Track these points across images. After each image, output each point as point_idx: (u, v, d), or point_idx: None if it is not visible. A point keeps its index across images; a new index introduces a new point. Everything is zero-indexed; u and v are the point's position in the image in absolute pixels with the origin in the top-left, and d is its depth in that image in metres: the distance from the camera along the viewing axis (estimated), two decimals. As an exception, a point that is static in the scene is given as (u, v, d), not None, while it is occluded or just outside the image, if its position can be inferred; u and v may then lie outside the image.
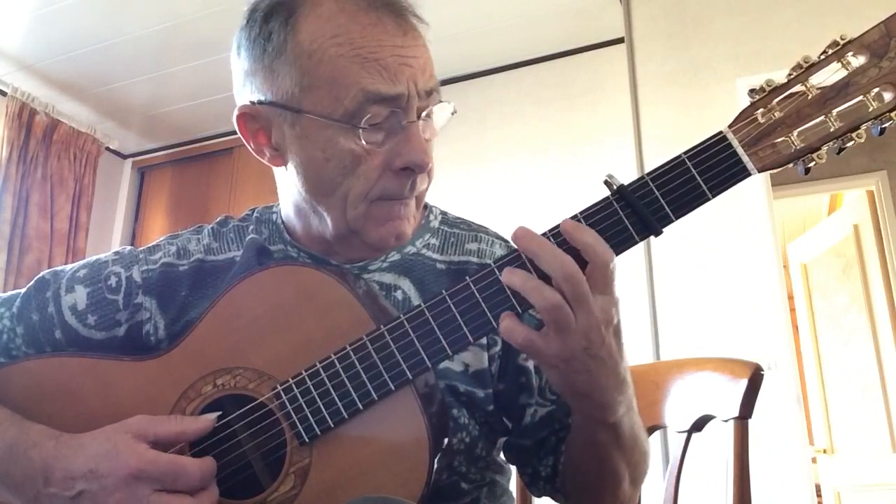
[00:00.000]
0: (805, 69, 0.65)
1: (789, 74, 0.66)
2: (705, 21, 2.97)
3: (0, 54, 3.39)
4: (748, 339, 2.55)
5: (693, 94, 2.89)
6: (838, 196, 4.46)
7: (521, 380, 0.84)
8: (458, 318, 0.67)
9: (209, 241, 0.90)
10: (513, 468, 0.92)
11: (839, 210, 4.26)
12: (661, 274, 2.75)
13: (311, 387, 0.70)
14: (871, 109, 0.63)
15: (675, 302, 2.71)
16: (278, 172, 0.86)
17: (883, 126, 0.64)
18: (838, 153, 0.66)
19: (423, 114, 0.77)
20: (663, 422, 1.03)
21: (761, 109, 0.66)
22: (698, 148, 0.66)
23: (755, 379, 0.92)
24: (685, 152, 0.66)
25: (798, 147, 0.65)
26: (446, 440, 0.73)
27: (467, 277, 0.67)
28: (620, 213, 0.66)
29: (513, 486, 0.93)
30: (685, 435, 0.99)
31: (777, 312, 2.54)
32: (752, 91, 0.67)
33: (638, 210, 0.65)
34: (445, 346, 0.67)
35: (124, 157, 4.38)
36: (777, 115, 0.66)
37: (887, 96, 0.63)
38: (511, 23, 3.26)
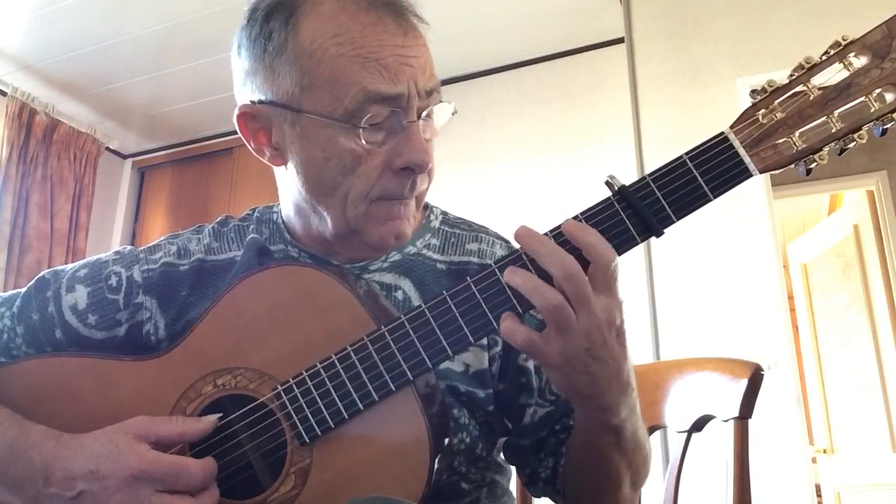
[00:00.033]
0: (807, 70, 0.65)
1: (791, 75, 0.66)
2: (705, 21, 2.97)
3: (0, 54, 3.39)
4: (748, 339, 2.55)
5: (693, 94, 2.89)
6: (838, 196, 4.46)
7: (522, 380, 0.84)
8: (459, 318, 0.67)
9: (210, 240, 0.90)
10: (513, 468, 0.92)
11: (839, 210, 4.26)
12: (661, 274, 2.75)
13: (312, 387, 0.69)
14: (872, 110, 0.63)
15: (675, 302, 2.71)
16: (278, 172, 0.86)
17: (885, 127, 0.64)
18: (840, 154, 0.66)
19: (424, 113, 0.77)
20: (663, 422, 1.03)
21: (763, 110, 0.66)
22: (700, 149, 0.66)
23: (755, 379, 0.92)
24: (686, 153, 0.66)
25: (800, 148, 0.65)
26: (447, 440, 0.73)
27: (468, 278, 0.67)
28: (622, 213, 0.66)
29: (513, 486, 0.93)
30: (685, 435, 0.99)
31: (777, 312, 2.54)
32: (753, 91, 0.67)
33: (639, 211, 0.65)
34: (446, 346, 0.67)
35: (124, 157, 4.38)
36: (779, 115, 0.65)
37: (889, 97, 0.63)
38: (511, 23, 3.26)
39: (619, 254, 0.66)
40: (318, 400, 0.69)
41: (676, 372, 1.05)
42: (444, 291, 0.68)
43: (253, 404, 0.72)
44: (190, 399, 0.73)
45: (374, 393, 0.68)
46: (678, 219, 0.66)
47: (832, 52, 0.64)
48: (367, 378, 0.68)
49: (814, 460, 3.89)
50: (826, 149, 0.65)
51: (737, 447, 0.92)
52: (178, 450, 0.71)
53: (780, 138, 0.65)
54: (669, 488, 0.99)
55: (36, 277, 0.88)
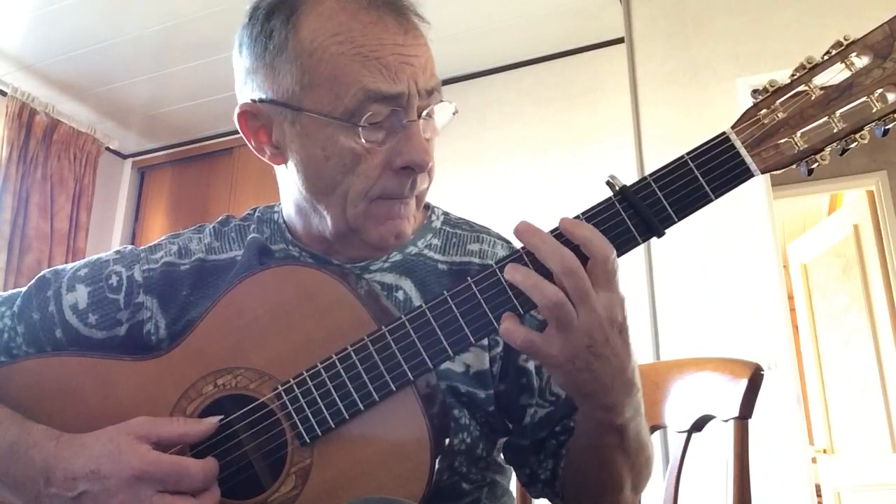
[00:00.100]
0: (808, 70, 0.65)
1: (792, 75, 0.65)
2: (705, 21, 2.97)
3: (0, 54, 3.39)
4: (748, 339, 2.55)
5: (693, 94, 2.89)
6: (838, 196, 4.46)
7: (522, 381, 0.84)
8: (460, 318, 0.67)
9: (210, 240, 0.90)
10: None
11: (839, 210, 4.26)
12: (661, 274, 2.75)
13: (312, 387, 0.69)
14: (874, 110, 0.63)
15: (675, 302, 2.71)
16: (279, 171, 0.86)
17: (886, 127, 0.64)
18: (841, 154, 0.66)
19: (424, 113, 0.77)
20: (663, 422, 1.03)
21: (764, 110, 0.66)
22: (701, 149, 0.66)
23: (755, 379, 0.92)
24: (688, 153, 0.66)
25: (801, 148, 0.65)
26: (447, 441, 0.73)
27: (469, 278, 0.67)
28: (623, 213, 0.66)
29: (513, 486, 0.93)
30: (685, 435, 0.99)
31: (777, 312, 2.54)
32: (755, 91, 0.67)
33: (640, 211, 0.65)
34: (447, 346, 0.67)
35: (124, 157, 4.38)
36: (780, 115, 0.65)
37: (891, 97, 0.63)
38: (511, 23, 3.26)
39: (621, 254, 0.66)
40: (319, 400, 0.69)
41: (676, 372, 1.05)
42: (445, 292, 0.68)
43: (253, 404, 0.72)
44: (190, 399, 0.73)
45: (374, 393, 0.68)
46: (679, 219, 0.66)
47: (834, 51, 0.64)
48: (367, 378, 0.68)
49: (814, 460, 3.89)
50: (828, 149, 0.65)
51: (737, 447, 0.92)
52: (179, 450, 0.71)
53: (782, 138, 0.65)
54: (669, 488, 0.99)
55: (36, 277, 0.88)
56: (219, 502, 0.68)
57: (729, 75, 2.83)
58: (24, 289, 0.87)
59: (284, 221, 0.90)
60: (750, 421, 0.93)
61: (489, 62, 3.50)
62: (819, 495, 3.43)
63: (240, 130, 0.83)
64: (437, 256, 0.87)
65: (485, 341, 0.82)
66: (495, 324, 0.66)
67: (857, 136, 0.64)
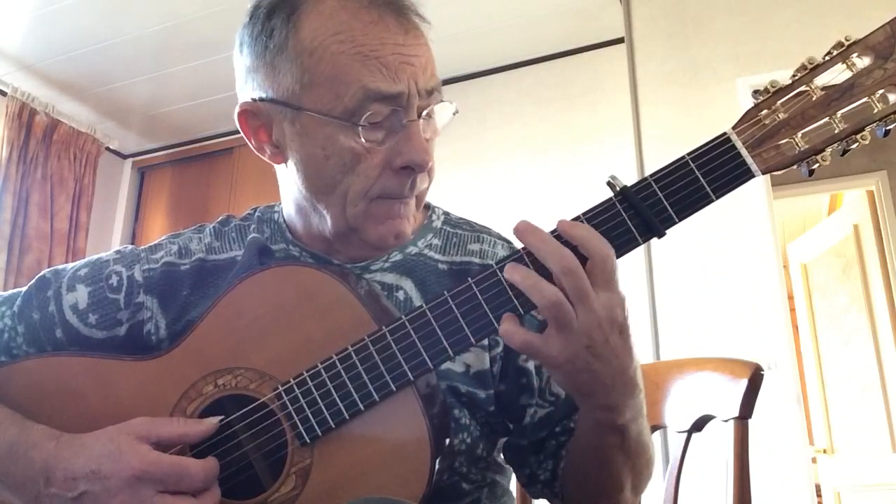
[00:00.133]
0: (809, 70, 0.65)
1: (794, 75, 0.65)
2: (705, 21, 2.97)
3: (0, 54, 3.38)
4: (748, 339, 2.55)
5: (693, 94, 2.89)
6: (838, 196, 4.46)
7: (522, 381, 0.84)
8: (460, 319, 0.67)
9: (211, 240, 0.90)
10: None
11: (839, 210, 4.26)
12: (661, 274, 2.75)
13: (313, 387, 0.69)
14: (875, 111, 0.63)
15: (675, 302, 2.71)
16: (279, 170, 0.86)
17: (888, 128, 0.63)
18: (842, 154, 0.66)
19: (424, 113, 0.77)
20: (663, 422, 1.03)
21: (765, 110, 0.66)
22: (702, 149, 0.66)
23: (755, 379, 0.92)
24: (688, 153, 0.66)
25: (802, 149, 0.65)
26: (448, 441, 0.73)
27: (469, 278, 0.67)
28: (623, 214, 0.66)
29: (513, 486, 0.93)
30: (685, 435, 0.99)
31: (777, 312, 2.54)
32: (756, 92, 0.67)
33: (641, 211, 0.65)
34: (447, 347, 0.67)
35: (124, 157, 4.38)
36: (781, 116, 0.65)
37: (892, 98, 0.63)
38: (511, 23, 3.26)
39: (621, 254, 0.66)
40: (319, 400, 0.69)
41: (676, 372, 1.05)
42: (446, 292, 0.68)
43: (254, 404, 0.72)
44: (191, 399, 0.73)
45: (374, 393, 0.68)
46: (680, 219, 0.66)
47: (835, 52, 0.64)
48: (367, 378, 0.68)
49: (814, 460, 3.89)
50: (829, 150, 0.65)
51: (737, 447, 0.92)
52: (179, 450, 0.71)
53: (783, 139, 0.65)
54: (669, 488, 0.99)
55: (37, 277, 0.88)
56: (219, 502, 0.68)
57: (729, 75, 2.83)
58: (24, 289, 0.87)
59: (285, 221, 0.90)
60: (750, 421, 0.93)
61: (489, 62, 3.49)
62: (819, 495, 3.43)
63: (240, 129, 0.83)
64: (437, 256, 0.87)
65: (485, 341, 0.81)
66: (496, 324, 0.66)
67: (859, 136, 0.64)
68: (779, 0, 2.86)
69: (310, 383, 0.70)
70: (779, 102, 0.66)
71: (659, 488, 1.02)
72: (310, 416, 0.69)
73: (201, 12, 3.09)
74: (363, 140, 0.75)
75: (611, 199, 0.67)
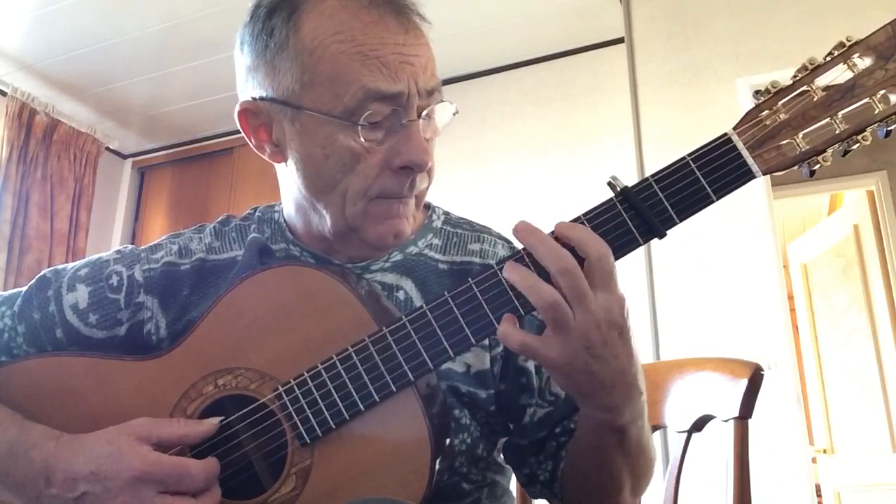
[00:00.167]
0: (811, 71, 0.65)
1: (795, 76, 0.65)
2: (705, 21, 2.97)
3: (0, 54, 3.38)
4: (748, 339, 2.55)
5: (693, 94, 2.89)
6: (838, 196, 4.46)
7: (522, 380, 0.84)
8: (461, 319, 0.67)
9: (211, 240, 0.90)
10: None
11: (839, 210, 4.26)
12: (661, 274, 2.75)
13: (313, 387, 0.69)
14: (876, 111, 0.63)
15: (675, 302, 2.71)
16: (280, 170, 0.86)
17: (889, 128, 0.63)
18: (843, 155, 0.66)
19: (424, 113, 0.77)
20: (663, 422, 1.03)
21: (766, 111, 0.66)
22: (703, 150, 0.66)
23: (755, 379, 0.92)
24: (689, 154, 0.66)
25: (803, 149, 0.65)
26: (448, 441, 0.73)
27: (470, 279, 0.67)
28: (624, 214, 0.66)
29: (513, 486, 0.93)
30: (685, 435, 0.99)
31: (777, 312, 2.54)
32: (757, 92, 0.66)
33: (642, 212, 0.65)
34: (447, 347, 0.67)
35: (124, 157, 4.38)
36: (782, 116, 0.65)
37: (893, 98, 0.63)
38: (511, 23, 3.26)
39: (622, 255, 0.66)
40: (319, 400, 0.69)
41: (676, 372, 1.05)
42: (446, 292, 0.68)
43: (254, 405, 0.72)
44: (191, 399, 0.73)
45: (375, 393, 0.68)
46: (681, 220, 0.66)
47: (836, 52, 0.64)
48: (368, 379, 0.68)
49: (814, 460, 3.89)
50: (830, 150, 0.65)
51: (737, 447, 0.92)
52: (179, 450, 0.71)
53: (784, 140, 0.65)
54: (669, 488, 0.99)
55: (37, 276, 0.88)
56: (219, 502, 0.68)
57: (729, 75, 2.83)
58: (24, 288, 0.87)
59: (285, 221, 0.90)
60: (750, 421, 0.93)
61: (489, 62, 3.50)
62: (819, 495, 3.43)
63: (240, 128, 0.83)
64: (437, 256, 0.87)
65: (486, 341, 0.81)
66: (496, 325, 0.66)
67: (860, 137, 0.64)
68: (779, 0, 2.86)
69: (310, 383, 0.70)
70: (780, 103, 0.65)
71: (659, 488, 1.02)
72: (310, 416, 0.69)
73: (201, 12, 3.09)
74: (362, 139, 0.75)
75: (611, 199, 0.66)
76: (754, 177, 0.65)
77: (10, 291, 0.88)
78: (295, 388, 0.70)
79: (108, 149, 4.09)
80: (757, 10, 2.89)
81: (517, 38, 3.35)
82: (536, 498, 0.90)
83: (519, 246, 0.66)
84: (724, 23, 2.92)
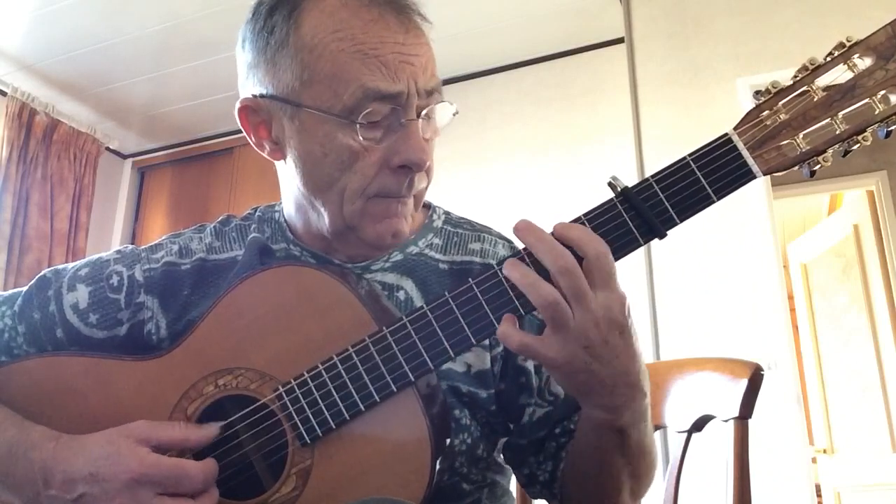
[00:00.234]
0: (811, 71, 0.65)
1: (795, 76, 0.65)
2: (705, 21, 2.97)
3: (0, 54, 3.38)
4: (748, 339, 2.55)
5: (693, 94, 2.89)
6: (838, 196, 4.46)
7: (521, 380, 0.84)
8: (461, 319, 0.67)
9: (211, 240, 0.90)
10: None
11: (839, 210, 4.26)
12: (661, 274, 2.75)
13: (313, 388, 0.69)
14: (877, 112, 0.63)
15: (675, 302, 2.71)
16: (280, 168, 0.86)
17: (889, 129, 0.63)
18: (844, 156, 0.66)
19: (423, 113, 0.77)
20: (663, 422, 1.03)
21: (767, 111, 0.66)
22: (703, 150, 0.66)
23: (755, 379, 0.92)
24: (690, 154, 0.66)
25: (804, 150, 0.65)
26: (448, 441, 0.73)
27: (470, 279, 0.67)
28: (624, 215, 0.66)
29: (513, 486, 0.93)
30: (685, 435, 0.99)
31: (777, 312, 2.54)
32: (757, 93, 0.66)
33: (642, 212, 0.65)
34: (448, 347, 0.67)
35: (124, 157, 4.38)
36: (783, 117, 0.65)
37: (893, 99, 0.63)
38: (511, 23, 3.26)
39: (622, 255, 0.66)
40: (320, 401, 0.69)
41: (676, 372, 1.05)
42: (446, 293, 0.68)
43: (254, 405, 0.71)
44: (191, 399, 0.73)
45: (375, 394, 0.68)
46: (681, 220, 0.66)
47: (836, 53, 0.64)
48: (368, 379, 0.68)
49: (814, 460, 3.89)
50: (830, 150, 0.65)
51: (737, 447, 0.92)
52: (178, 451, 0.71)
53: (784, 140, 0.65)
54: (669, 488, 0.99)
55: (37, 276, 0.88)
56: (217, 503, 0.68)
57: (729, 75, 2.83)
58: (24, 288, 0.87)
59: (285, 220, 0.90)
60: (750, 421, 0.93)
61: (489, 62, 3.50)
62: (819, 495, 3.43)
63: (240, 125, 0.83)
64: (438, 256, 0.87)
65: (486, 341, 0.81)
66: (496, 325, 0.66)
67: (860, 137, 0.64)
68: (779, 0, 2.86)
69: (310, 384, 0.70)
70: (780, 103, 0.65)
71: (659, 488, 1.02)
72: (310, 416, 0.69)
73: (201, 12, 3.09)
74: (361, 138, 0.75)
75: (612, 199, 0.66)
76: (755, 177, 0.65)
77: (11, 291, 0.88)
78: (295, 388, 0.70)
79: (108, 149, 4.09)
80: (757, 10, 2.89)
81: (517, 38, 3.35)
82: (536, 498, 0.90)
83: (520, 245, 0.66)
84: (724, 23, 2.92)
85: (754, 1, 2.91)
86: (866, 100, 0.63)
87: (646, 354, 2.61)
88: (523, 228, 0.65)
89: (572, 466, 0.81)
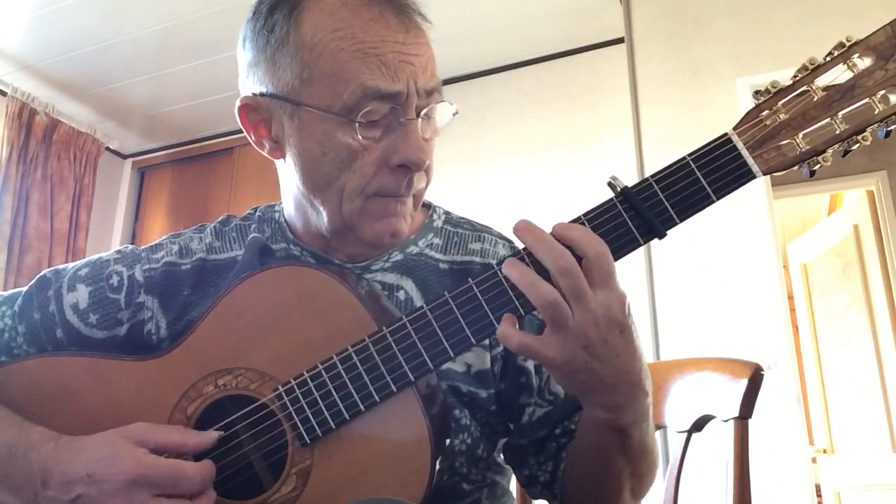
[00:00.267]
0: (811, 71, 0.65)
1: (795, 76, 0.65)
2: (705, 21, 2.97)
3: (0, 54, 3.38)
4: (748, 339, 2.55)
5: (693, 94, 2.89)
6: (838, 196, 4.46)
7: (521, 380, 0.84)
8: (461, 319, 0.67)
9: (211, 240, 0.90)
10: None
11: (839, 210, 4.26)
12: (661, 274, 2.75)
13: (313, 388, 0.69)
14: (876, 112, 0.63)
15: (675, 302, 2.71)
16: (279, 166, 0.86)
17: (889, 129, 0.63)
18: (844, 155, 0.66)
19: (423, 112, 0.77)
20: (663, 422, 1.03)
21: (766, 111, 0.66)
22: (703, 150, 0.66)
23: (755, 379, 0.92)
24: (689, 154, 0.66)
25: (803, 150, 0.65)
26: (448, 441, 0.73)
27: (470, 279, 0.67)
28: (624, 215, 0.66)
29: (513, 486, 0.93)
30: (685, 435, 0.99)
31: (777, 312, 2.54)
32: (757, 92, 0.66)
33: (642, 212, 0.65)
34: (447, 347, 0.67)
35: (124, 157, 4.38)
36: (782, 116, 0.65)
37: (893, 98, 0.63)
38: (511, 23, 3.26)
39: (622, 255, 0.66)
40: (320, 400, 0.69)
41: (676, 372, 1.05)
42: (446, 293, 0.68)
43: (254, 405, 0.71)
44: (191, 399, 0.73)
45: (375, 394, 0.68)
46: (681, 220, 0.66)
47: (836, 53, 0.64)
48: (368, 379, 0.68)
49: (814, 460, 3.89)
50: (830, 150, 0.65)
51: (737, 447, 0.92)
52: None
53: (784, 140, 0.65)
54: (669, 488, 0.99)
55: (37, 276, 0.88)
56: None
57: (729, 75, 2.83)
58: (24, 288, 0.87)
59: (285, 220, 0.90)
60: (750, 421, 0.93)
61: (489, 62, 3.50)
62: (819, 495, 3.43)
63: (240, 123, 0.83)
64: (438, 256, 0.87)
65: (486, 341, 0.81)
66: (496, 325, 0.66)
67: (860, 137, 0.64)
68: (779, 0, 2.86)
69: (310, 384, 0.70)
70: (780, 103, 0.65)
71: (659, 488, 1.02)
72: (310, 416, 0.69)
73: (201, 12, 3.09)
74: (360, 137, 0.75)
75: (612, 199, 0.66)
76: (754, 177, 0.65)
77: (11, 291, 0.88)
78: (295, 388, 0.70)
79: (108, 149, 4.09)
80: (757, 10, 2.89)
81: (517, 38, 3.35)
82: (536, 498, 0.90)
83: (520, 245, 0.66)
84: (724, 23, 2.92)
85: (754, 1, 2.91)
86: (866, 100, 0.63)
87: (646, 354, 2.63)
88: (523, 228, 0.65)
89: (573, 466, 0.81)
